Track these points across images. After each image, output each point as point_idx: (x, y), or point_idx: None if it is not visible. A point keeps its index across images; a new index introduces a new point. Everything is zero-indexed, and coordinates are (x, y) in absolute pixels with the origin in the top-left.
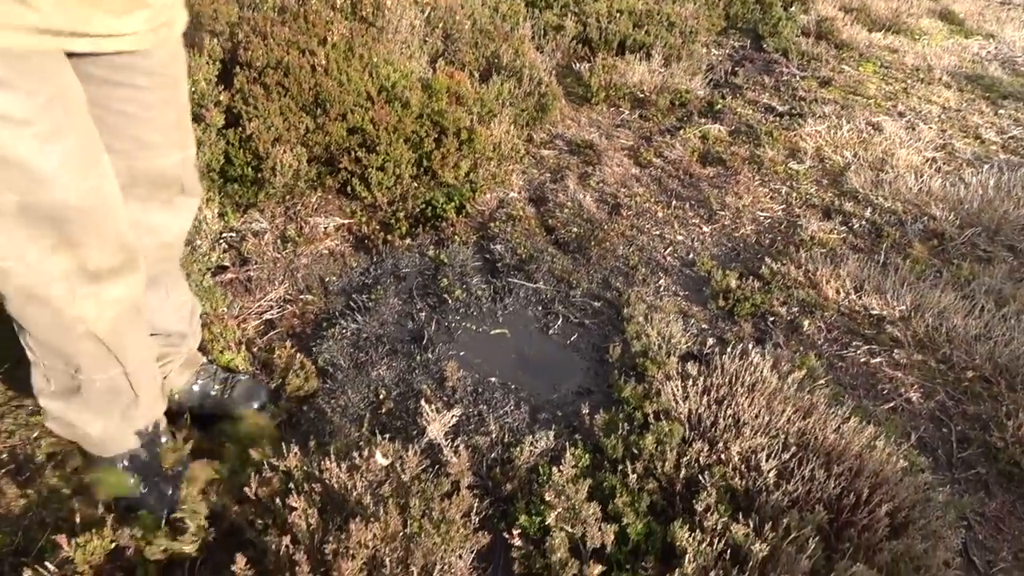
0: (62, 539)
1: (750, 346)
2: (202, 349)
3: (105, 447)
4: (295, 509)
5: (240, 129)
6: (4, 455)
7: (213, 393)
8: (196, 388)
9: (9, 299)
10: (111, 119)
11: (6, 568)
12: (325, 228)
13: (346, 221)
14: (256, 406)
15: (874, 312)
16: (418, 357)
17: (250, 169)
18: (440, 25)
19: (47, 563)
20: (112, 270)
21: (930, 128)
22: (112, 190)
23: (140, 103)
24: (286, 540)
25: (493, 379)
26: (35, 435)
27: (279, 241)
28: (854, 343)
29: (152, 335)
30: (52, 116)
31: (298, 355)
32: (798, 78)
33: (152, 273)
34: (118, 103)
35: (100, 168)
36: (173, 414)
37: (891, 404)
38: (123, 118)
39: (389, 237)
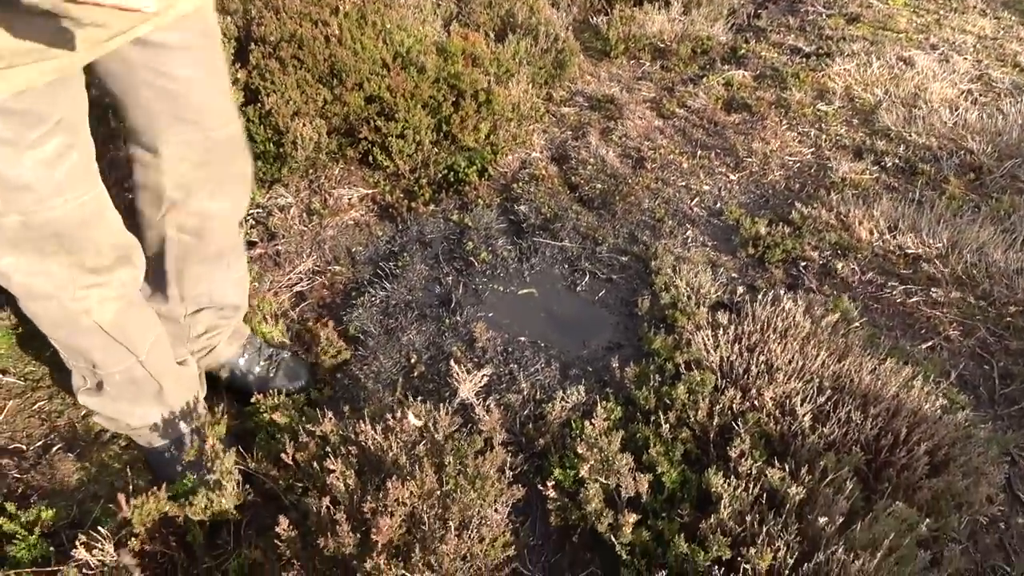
0: (121, 499)
1: (782, 292)
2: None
3: (152, 438)
4: (333, 471)
5: (259, 105)
6: (62, 431)
7: (258, 370)
8: (242, 363)
9: (18, 299)
10: (173, 86)
11: (63, 540)
12: (349, 199)
13: (369, 191)
14: (298, 386)
15: (909, 251)
16: (447, 320)
17: (272, 145)
18: None
19: (101, 528)
20: (108, 267)
21: (965, 59)
22: (103, 193)
23: (200, 65)
24: (326, 501)
25: (522, 338)
26: (83, 413)
27: (305, 214)
28: (889, 284)
29: (206, 308)
30: (60, 138)
31: (329, 325)
32: (824, 16)
33: (217, 248)
34: (181, 68)
35: (93, 174)
36: (218, 387)
37: (929, 343)
38: (187, 85)
39: (413, 204)
